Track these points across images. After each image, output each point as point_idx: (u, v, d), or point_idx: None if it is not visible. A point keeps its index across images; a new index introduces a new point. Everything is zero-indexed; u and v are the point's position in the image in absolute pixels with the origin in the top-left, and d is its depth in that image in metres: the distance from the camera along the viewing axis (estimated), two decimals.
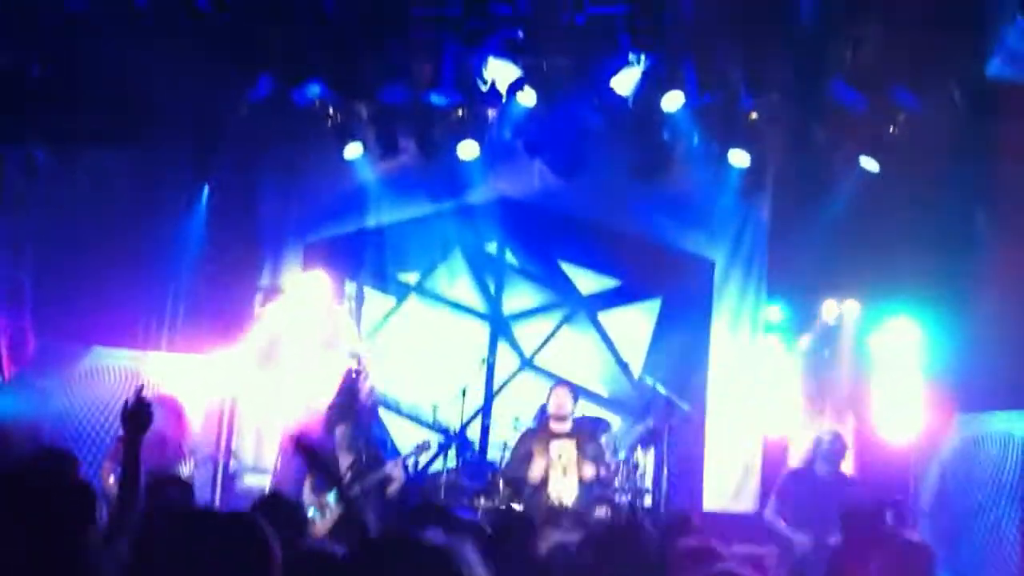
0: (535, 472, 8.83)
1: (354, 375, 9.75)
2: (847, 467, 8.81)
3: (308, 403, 9.96)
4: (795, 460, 9.35)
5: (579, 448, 8.92)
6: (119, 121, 9.32)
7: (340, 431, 9.01)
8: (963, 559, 8.64)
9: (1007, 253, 8.09)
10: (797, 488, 8.61)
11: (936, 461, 9.05)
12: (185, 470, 8.03)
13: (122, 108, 9.08)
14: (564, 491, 8.81)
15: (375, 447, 9.36)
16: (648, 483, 9.62)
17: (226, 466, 10.03)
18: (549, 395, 9.21)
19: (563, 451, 8.92)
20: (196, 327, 10.04)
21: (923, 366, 9.19)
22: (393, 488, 8.83)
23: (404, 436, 10.39)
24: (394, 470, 8.91)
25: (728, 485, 10.25)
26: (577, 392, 9.37)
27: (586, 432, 9.18)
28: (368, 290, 10.84)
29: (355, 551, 2.76)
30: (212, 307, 10.16)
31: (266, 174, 10.64)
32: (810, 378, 9.98)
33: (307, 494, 8.54)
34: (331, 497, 8.35)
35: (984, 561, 8.49)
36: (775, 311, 10.32)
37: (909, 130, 8.53)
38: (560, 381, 9.72)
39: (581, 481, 8.85)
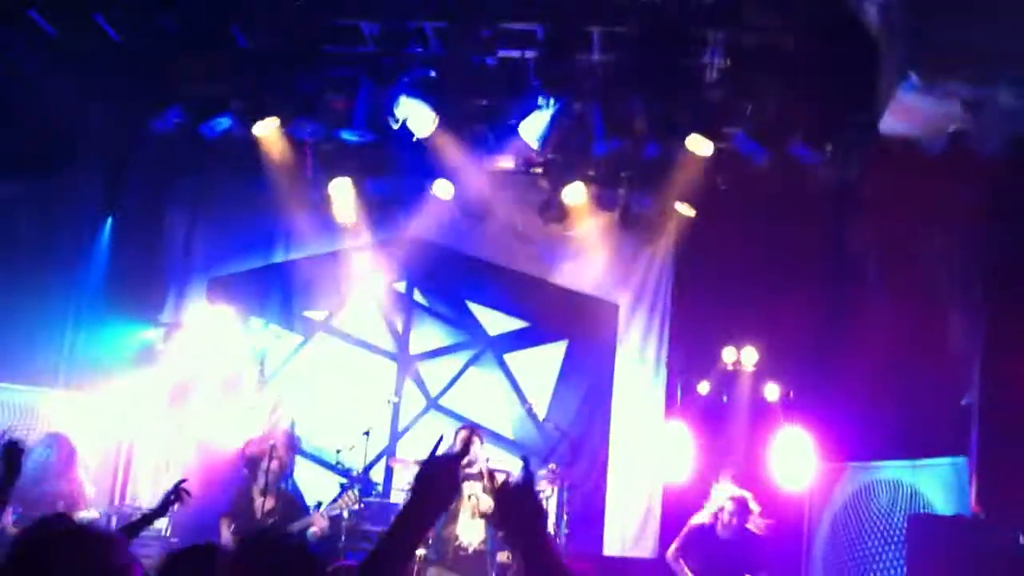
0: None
1: (279, 421, 9.55)
2: (753, 525, 8.80)
3: (210, 444, 9.78)
4: (700, 516, 9.33)
5: (485, 490, 8.86)
6: (23, 149, 9.15)
7: (262, 473, 8.72)
8: None
9: (896, 306, 8.28)
10: (700, 543, 8.63)
11: (829, 510, 9.17)
12: (87, 515, 7.74)
13: (26, 136, 8.92)
14: (473, 534, 8.74)
15: (296, 494, 9.20)
16: (550, 527, 9.58)
17: (122, 510, 9.75)
18: (455, 437, 9.14)
19: (473, 491, 8.85)
20: (95, 362, 9.83)
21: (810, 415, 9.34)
22: (315, 536, 8.60)
23: (307, 477, 10.25)
24: (320, 520, 8.62)
25: (629, 531, 10.26)
26: (482, 434, 9.33)
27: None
28: (273, 327, 10.73)
29: None
30: (113, 341, 9.96)
31: (172, 207, 10.53)
32: (710, 425, 10.07)
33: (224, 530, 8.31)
34: None
35: None
36: (675, 356, 10.42)
37: (804, 183, 8.73)
38: (466, 424, 9.66)
39: (487, 523, 8.79)
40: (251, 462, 8.78)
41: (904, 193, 8.13)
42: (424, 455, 2.80)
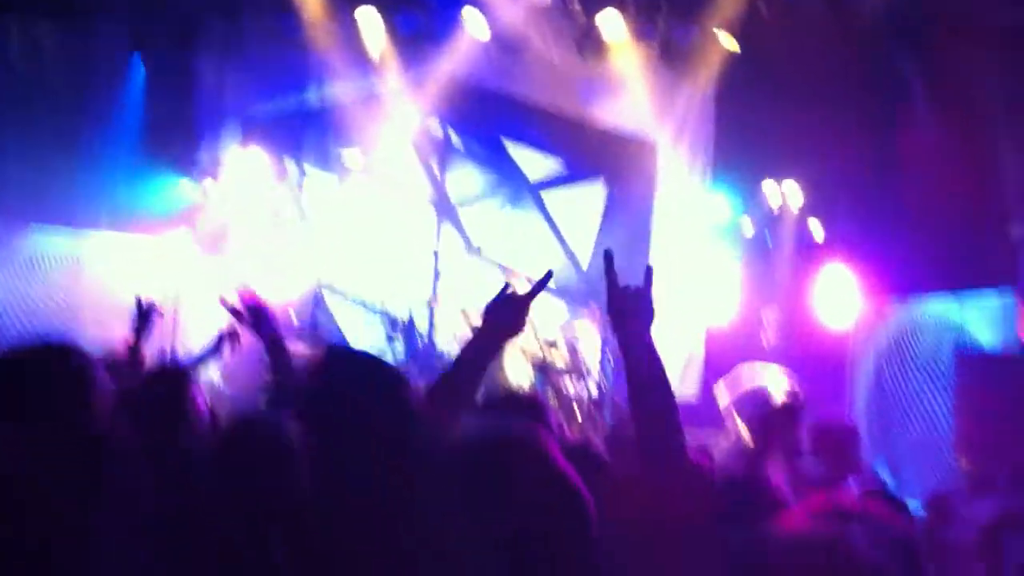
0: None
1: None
2: None
3: (258, 288, 9.81)
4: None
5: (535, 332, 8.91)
6: None
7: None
8: (898, 447, 8.68)
9: (944, 137, 7.94)
10: (749, 404, 8.51)
11: (872, 348, 9.02)
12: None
13: None
14: (521, 374, 8.83)
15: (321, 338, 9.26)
16: (594, 369, 9.59)
17: (174, 352, 9.90)
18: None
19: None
20: (135, 205, 9.85)
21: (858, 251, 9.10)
22: None
23: (351, 324, 10.30)
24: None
25: (672, 373, 10.15)
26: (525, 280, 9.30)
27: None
28: (309, 168, 10.61)
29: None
30: (150, 186, 9.95)
31: (203, 47, 10.31)
32: (753, 265, 9.88)
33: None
34: None
35: (919, 448, 8.51)
36: (719, 196, 10.17)
37: (851, 9, 8.30)
38: (511, 271, 9.65)
39: (532, 363, 8.88)
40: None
41: (956, 21, 7.71)
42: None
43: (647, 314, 2.61)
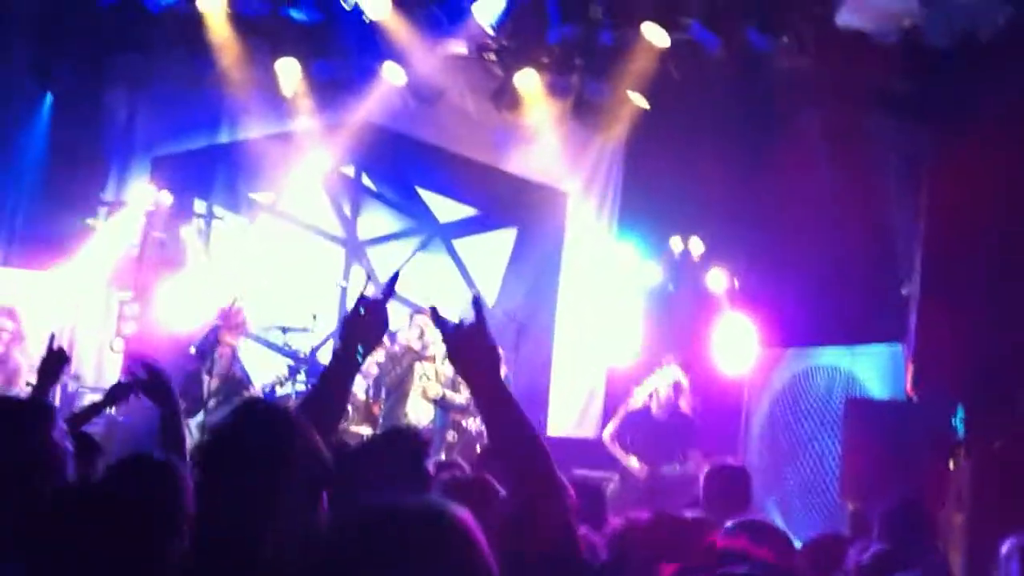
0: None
1: (234, 308, 9.46)
2: (684, 404, 9.09)
3: (156, 325, 9.71)
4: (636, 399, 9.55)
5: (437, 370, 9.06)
6: None
7: (217, 355, 8.68)
8: (789, 487, 9.15)
9: (841, 196, 8.47)
10: (635, 426, 8.90)
11: (767, 394, 9.50)
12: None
13: None
14: (422, 413, 8.99)
15: (243, 373, 9.21)
16: None
17: (64, 387, 9.68)
18: (410, 323, 9.26)
19: (425, 372, 9.05)
20: (37, 241, 9.64)
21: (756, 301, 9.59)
22: None
23: (254, 360, 10.26)
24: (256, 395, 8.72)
25: (572, 412, 10.53)
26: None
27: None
28: (219, 209, 10.57)
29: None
30: (54, 221, 9.75)
31: (114, 81, 10.18)
32: (655, 312, 10.29)
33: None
34: (193, 423, 8.09)
35: (808, 489, 8.98)
36: (625, 244, 10.56)
37: (757, 72, 8.78)
38: (418, 309, 9.78)
39: (434, 401, 9.04)
40: (202, 344, 8.78)
41: (855, 82, 8.24)
42: None
43: (489, 355, 2.54)
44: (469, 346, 2.55)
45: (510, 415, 2.52)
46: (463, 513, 1.70)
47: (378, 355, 9.18)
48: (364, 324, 3.02)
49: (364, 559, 1.63)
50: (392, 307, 9.83)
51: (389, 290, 3.12)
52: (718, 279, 9.85)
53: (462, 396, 9.36)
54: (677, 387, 8.87)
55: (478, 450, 9.26)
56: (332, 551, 1.69)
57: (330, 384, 3.03)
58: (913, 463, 7.28)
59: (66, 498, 2.59)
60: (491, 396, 2.55)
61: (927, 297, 8.03)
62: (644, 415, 8.91)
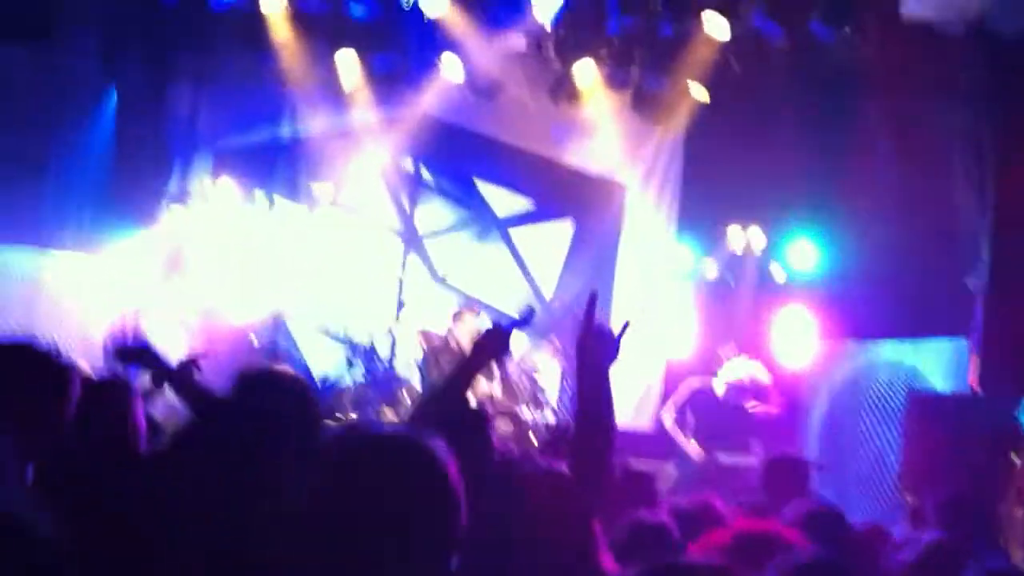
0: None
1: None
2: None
3: (214, 315, 9.87)
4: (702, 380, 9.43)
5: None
6: (22, 12, 8.98)
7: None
8: (848, 483, 9.07)
9: (904, 185, 8.38)
10: (699, 404, 8.76)
11: (827, 388, 9.43)
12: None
13: None
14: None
15: (303, 370, 9.33)
16: (551, 399, 9.82)
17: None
18: (456, 318, 9.24)
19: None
20: (101, 230, 9.83)
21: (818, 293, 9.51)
22: None
23: (312, 349, 10.39)
24: None
25: (629, 403, 10.50)
26: (481, 312, 9.47)
27: None
28: (279, 199, 10.70)
29: None
30: (118, 211, 9.94)
31: (177, 77, 10.34)
32: (713, 304, 10.25)
33: None
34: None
35: (867, 486, 8.91)
36: (683, 236, 10.54)
37: (819, 63, 8.71)
38: (467, 302, 9.80)
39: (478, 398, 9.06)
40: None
41: (920, 73, 8.14)
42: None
43: (612, 353, 2.85)
44: (599, 339, 2.84)
45: (609, 410, 2.80)
46: (436, 443, 1.82)
47: (417, 352, 9.26)
48: (491, 342, 3.31)
49: (348, 483, 1.76)
50: (444, 297, 9.82)
51: (524, 323, 3.46)
52: (778, 271, 9.79)
53: (522, 387, 9.40)
54: (753, 380, 8.67)
55: (533, 441, 9.29)
56: (318, 472, 1.81)
57: (448, 385, 3.34)
58: (975, 457, 7.19)
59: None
60: (600, 387, 2.83)
61: (995, 291, 7.94)
62: (710, 394, 8.73)
